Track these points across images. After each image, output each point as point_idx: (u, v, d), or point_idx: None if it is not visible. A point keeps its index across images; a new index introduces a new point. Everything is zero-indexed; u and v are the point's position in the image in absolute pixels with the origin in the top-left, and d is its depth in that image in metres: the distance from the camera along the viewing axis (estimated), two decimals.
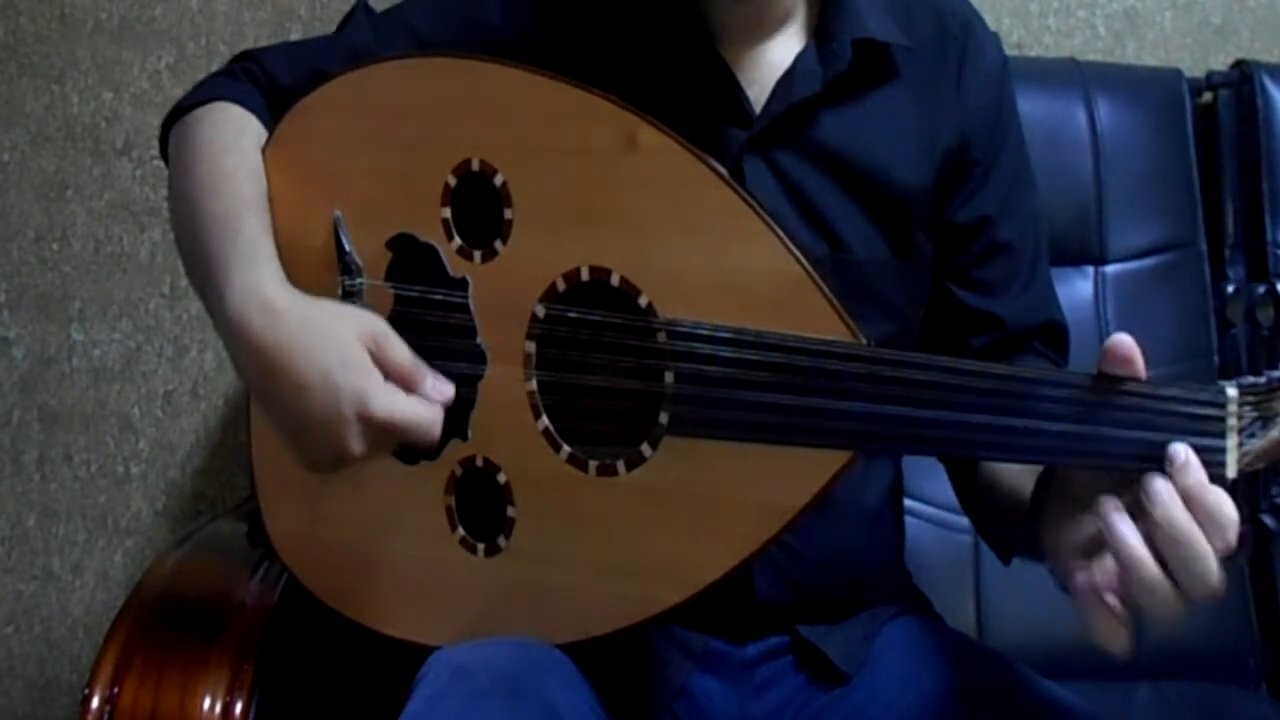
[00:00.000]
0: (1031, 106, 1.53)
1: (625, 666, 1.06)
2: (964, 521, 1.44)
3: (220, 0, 1.71)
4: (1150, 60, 1.78)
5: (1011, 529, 0.98)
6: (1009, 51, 1.74)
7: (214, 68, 1.68)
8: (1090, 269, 1.61)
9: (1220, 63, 1.73)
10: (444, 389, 0.95)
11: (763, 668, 1.10)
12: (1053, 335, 1.14)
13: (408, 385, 0.94)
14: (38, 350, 1.72)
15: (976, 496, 1.10)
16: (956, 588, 1.50)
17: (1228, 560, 0.80)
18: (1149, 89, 1.66)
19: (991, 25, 1.77)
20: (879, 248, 1.09)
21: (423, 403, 0.93)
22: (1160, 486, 0.79)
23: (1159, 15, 1.79)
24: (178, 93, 1.69)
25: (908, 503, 1.41)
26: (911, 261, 1.10)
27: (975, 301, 1.12)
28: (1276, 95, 1.65)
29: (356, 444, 0.92)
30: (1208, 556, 0.78)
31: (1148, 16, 1.78)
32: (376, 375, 0.92)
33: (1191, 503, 0.79)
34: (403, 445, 0.96)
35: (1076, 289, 1.60)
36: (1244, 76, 1.67)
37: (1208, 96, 1.70)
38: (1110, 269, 1.61)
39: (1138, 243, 1.62)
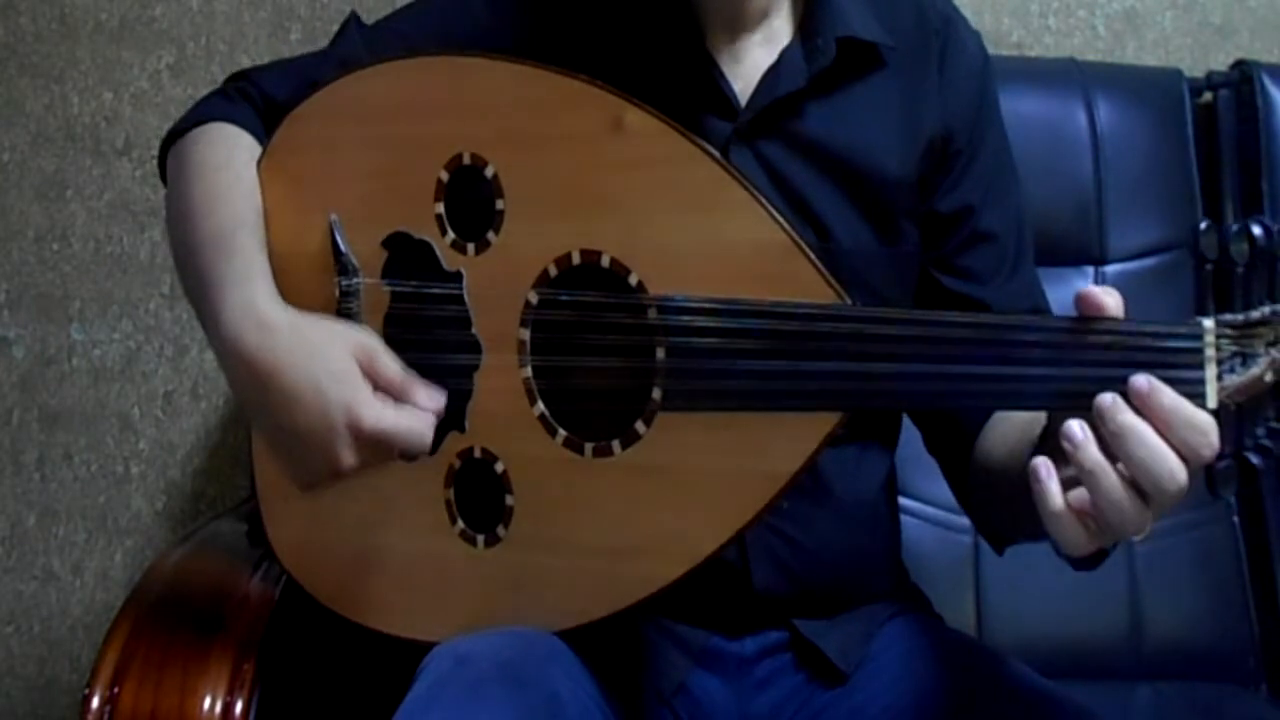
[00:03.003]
0: (1031, 106, 1.54)
1: (625, 663, 1.06)
2: (964, 521, 1.44)
3: (220, 0, 1.71)
4: (1150, 60, 1.78)
5: (1010, 508, 0.98)
6: (1009, 51, 1.75)
7: (214, 68, 1.69)
8: (1090, 269, 1.61)
9: (1220, 63, 1.73)
10: (436, 399, 0.97)
11: (761, 665, 1.10)
12: None
13: (399, 397, 0.95)
14: (38, 350, 1.73)
15: (971, 483, 1.10)
16: (956, 587, 1.50)
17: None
18: (1149, 89, 1.66)
19: (991, 25, 1.78)
20: (865, 238, 1.09)
21: (413, 413, 0.95)
22: (1105, 399, 0.81)
23: (1159, 15, 1.79)
24: (178, 93, 1.70)
25: (907, 502, 1.41)
26: (898, 250, 1.11)
27: (961, 289, 1.13)
28: (1276, 95, 1.65)
29: (348, 455, 0.93)
30: (1165, 454, 0.79)
31: (1148, 16, 1.79)
32: (366, 387, 0.94)
33: (1152, 415, 0.80)
34: (394, 455, 0.96)
35: (1076, 289, 1.59)
36: (1244, 76, 1.67)
37: (1208, 96, 1.70)
38: (1110, 269, 1.61)
39: (1138, 243, 1.62)
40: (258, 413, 0.98)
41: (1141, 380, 0.81)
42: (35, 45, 1.71)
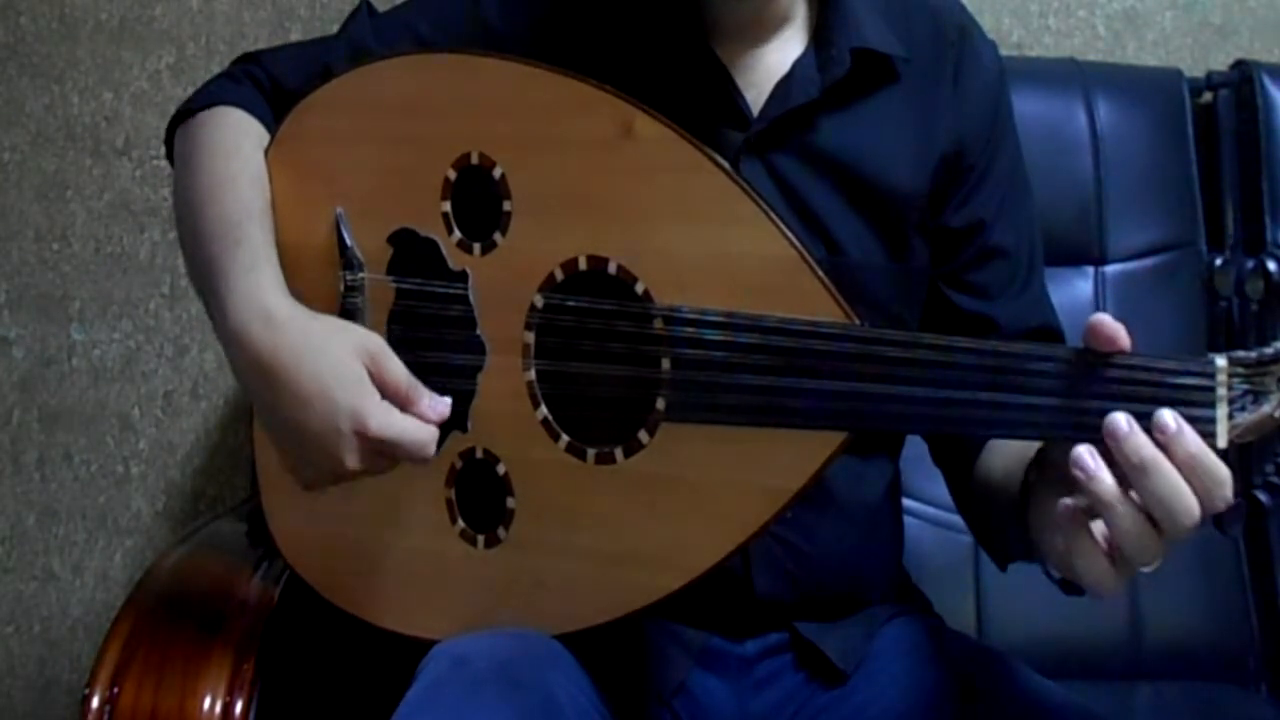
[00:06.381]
0: (1031, 106, 1.53)
1: (624, 663, 1.06)
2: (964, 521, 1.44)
3: (220, 0, 1.71)
4: (1150, 60, 1.78)
5: (1006, 526, 0.98)
6: (1009, 52, 1.75)
7: (214, 68, 1.69)
8: (1090, 269, 1.61)
9: (1220, 63, 1.73)
10: (439, 407, 0.96)
11: (761, 665, 1.10)
12: (1049, 340, 1.14)
13: (404, 404, 0.95)
14: (38, 350, 1.72)
15: (972, 498, 1.10)
16: (956, 588, 1.50)
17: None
18: (1149, 89, 1.67)
19: (991, 25, 1.78)
20: (875, 252, 1.09)
21: (418, 421, 0.94)
22: (1121, 425, 0.80)
23: (1159, 15, 1.79)
24: (178, 93, 1.70)
25: (908, 503, 1.41)
26: (907, 265, 1.10)
27: (970, 305, 1.12)
28: (1276, 95, 1.65)
29: (352, 460, 0.93)
30: (1179, 484, 0.79)
31: (1148, 16, 1.79)
32: (374, 393, 0.94)
33: (1173, 457, 0.79)
34: (397, 462, 0.96)
35: (1076, 289, 1.60)
36: (1244, 76, 1.67)
37: (1208, 96, 1.70)
38: (1110, 269, 1.61)
39: (1138, 243, 1.62)
40: (263, 408, 0.98)
41: (1169, 418, 0.80)
42: (35, 45, 1.70)
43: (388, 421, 0.93)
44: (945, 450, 1.14)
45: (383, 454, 0.94)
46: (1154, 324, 1.58)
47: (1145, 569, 0.82)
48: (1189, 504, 0.79)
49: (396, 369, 0.95)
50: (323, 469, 0.95)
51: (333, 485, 0.97)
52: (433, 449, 0.95)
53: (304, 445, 0.95)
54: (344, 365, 0.94)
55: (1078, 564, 0.83)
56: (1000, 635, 1.50)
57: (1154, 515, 0.80)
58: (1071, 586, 0.91)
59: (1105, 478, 0.80)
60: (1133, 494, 0.80)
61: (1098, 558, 0.82)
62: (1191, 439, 0.79)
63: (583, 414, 0.97)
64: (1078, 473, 0.81)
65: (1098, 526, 0.83)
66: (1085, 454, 0.81)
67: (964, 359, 0.86)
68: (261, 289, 0.96)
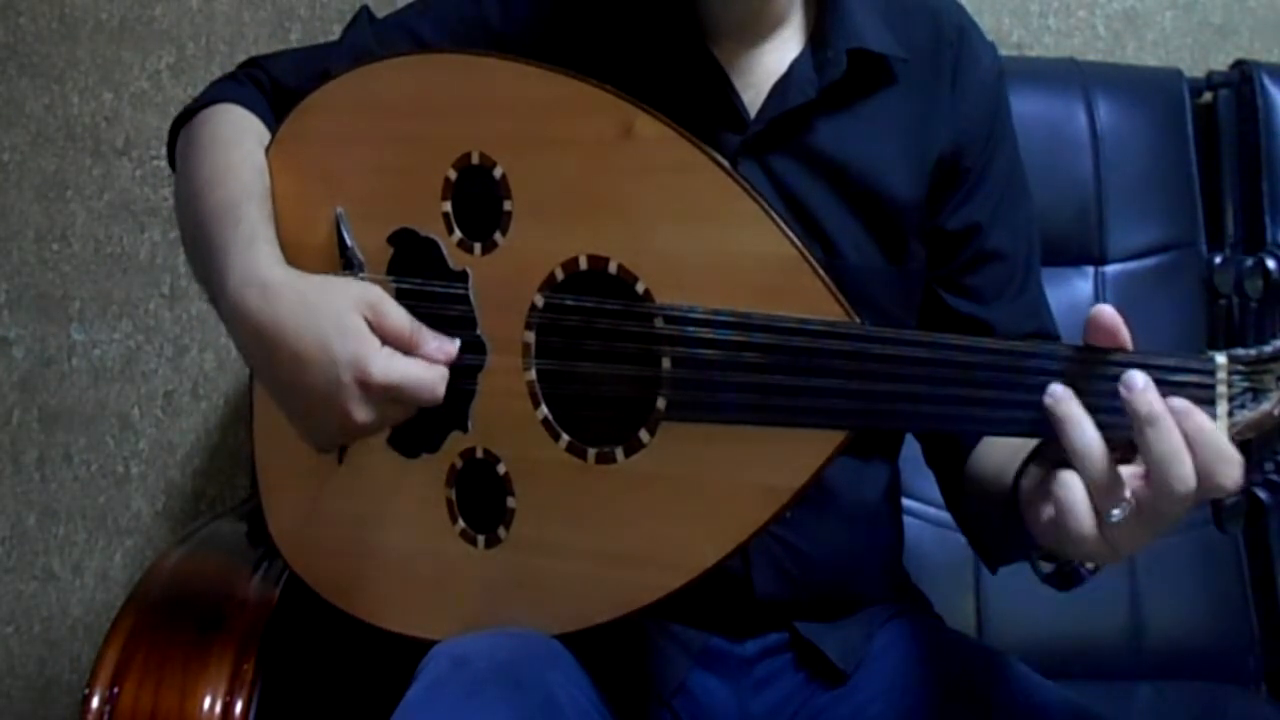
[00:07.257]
0: (1031, 106, 1.54)
1: (624, 663, 1.06)
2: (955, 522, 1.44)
3: (220, 0, 1.71)
4: (1150, 60, 1.78)
5: (998, 521, 0.98)
6: (1009, 52, 1.75)
7: (214, 68, 1.70)
8: (1090, 269, 1.61)
9: (1220, 63, 1.74)
10: (447, 347, 0.96)
11: (761, 665, 1.10)
12: None
13: (407, 348, 0.95)
14: (38, 350, 1.73)
15: (964, 496, 1.10)
16: (956, 588, 1.51)
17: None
18: (1149, 89, 1.67)
19: (991, 25, 1.78)
20: (872, 254, 1.09)
21: (423, 363, 0.94)
22: (1138, 379, 0.79)
23: (1159, 15, 1.79)
24: (178, 93, 1.71)
25: (908, 503, 1.41)
26: (904, 268, 1.10)
27: (966, 308, 1.12)
28: (1276, 95, 1.65)
29: (360, 412, 0.93)
30: (1180, 450, 0.78)
31: (1148, 16, 1.79)
32: (374, 341, 0.93)
33: (1185, 437, 0.79)
34: (410, 408, 0.96)
35: (1076, 289, 1.60)
36: (1244, 76, 1.68)
37: (1208, 96, 1.70)
38: (1110, 269, 1.61)
39: (1138, 243, 1.62)
40: (267, 377, 0.98)
41: (1180, 400, 0.80)
42: (35, 45, 1.70)
43: (390, 366, 0.93)
44: (939, 450, 1.14)
45: (393, 400, 0.94)
46: (1154, 324, 1.58)
47: (1115, 515, 0.80)
48: (1185, 471, 0.79)
49: (397, 315, 0.95)
50: (333, 427, 0.95)
51: (348, 443, 0.97)
52: (442, 389, 0.95)
53: (311, 405, 0.95)
54: (342, 318, 0.93)
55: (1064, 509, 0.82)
56: (1000, 635, 1.50)
57: (1152, 476, 0.79)
58: (1061, 579, 0.91)
59: (1152, 392, 0.80)
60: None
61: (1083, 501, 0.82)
62: (1202, 418, 0.79)
63: (583, 413, 0.97)
64: (1048, 399, 0.81)
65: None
66: (1136, 373, 0.80)
67: (965, 357, 0.86)
68: (258, 263, 0.97)
